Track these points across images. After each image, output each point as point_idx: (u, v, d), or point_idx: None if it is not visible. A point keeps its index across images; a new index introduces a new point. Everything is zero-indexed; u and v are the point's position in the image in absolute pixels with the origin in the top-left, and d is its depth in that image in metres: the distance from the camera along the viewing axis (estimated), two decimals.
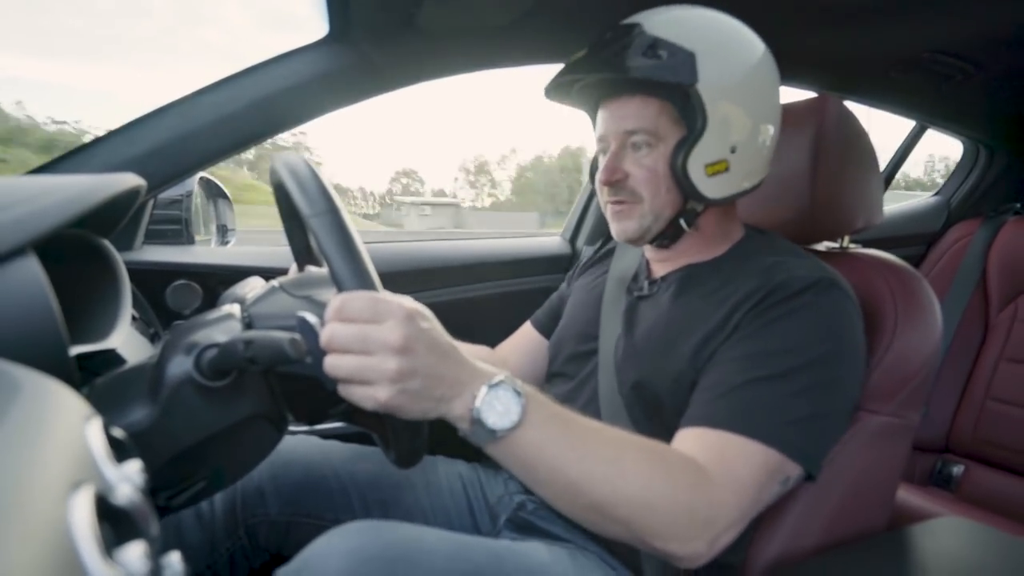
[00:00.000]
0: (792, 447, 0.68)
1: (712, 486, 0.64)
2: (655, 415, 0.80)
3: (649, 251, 0.93)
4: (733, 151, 0.79)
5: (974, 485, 1.56)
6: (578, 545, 0.81)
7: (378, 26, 1.00)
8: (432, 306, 0.61)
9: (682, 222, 0.84)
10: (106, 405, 0.52)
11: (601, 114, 0.86)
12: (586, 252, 1.59)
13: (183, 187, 1.16)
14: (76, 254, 0.68)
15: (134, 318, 0.86)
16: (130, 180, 0.70)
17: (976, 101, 1.60)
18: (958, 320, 1.69)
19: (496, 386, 0.58)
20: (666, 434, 0.72)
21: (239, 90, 1.02)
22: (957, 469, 1.60)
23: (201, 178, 1.22)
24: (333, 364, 0.53)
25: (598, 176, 0.85)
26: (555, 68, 0.87)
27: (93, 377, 0.59)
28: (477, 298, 1.46)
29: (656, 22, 0.79)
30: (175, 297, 1.12)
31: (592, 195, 1.62)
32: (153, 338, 0.91)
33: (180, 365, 0.56)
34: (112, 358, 0.64)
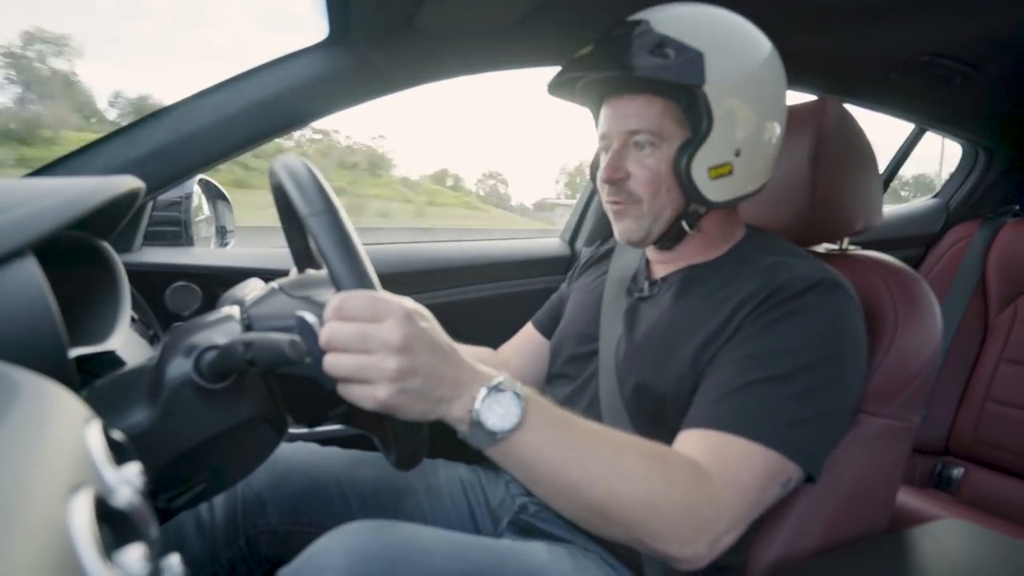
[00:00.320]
0: (793, 449, 0.68)
1: (713, 488, 0.64)
2: (656, 417, 0.80)
3: (650, 252, 0.93)
4: (738, 154, 0.79)
5: (974, 487, 1.56)
6: (579, 546, 0.81)
7: (378, 28, 1.00)
8: (431, 307, 0.61)
9: (684, 224, 0.84)
10: (105, 407, 0.52)
11: (604, 112, 0.85)
12: (585, 253, 1.58)
13: (182, 189, 1.16)
14: (75, 256, 0.68)
15: (133, 320, 0.86)
16: (129, 182, 0.69)
17: (975, 103, 1.60)
18: (958, 322, 1.69)
19: (496, 388, 0.58)
20: (667, 436, 0.72)
21: (239, 92, 1.02)
22: (957, 471, 1.60)
23: (200, 180, 1.22)
24: (332, 363, 0.53)
25: (599, 175, 0.84)
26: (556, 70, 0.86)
27: (92, 379, 0.59)
28: (476, 299, 1.45)
29: (663, 19, 0.78)
30: (174, 299, 1.12)
31: (592, 196, 1.61)
32: (152, 340, 0.91)
33: (180, 367, 0.56)
34: (111, 360, 0.64)
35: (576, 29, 1.08)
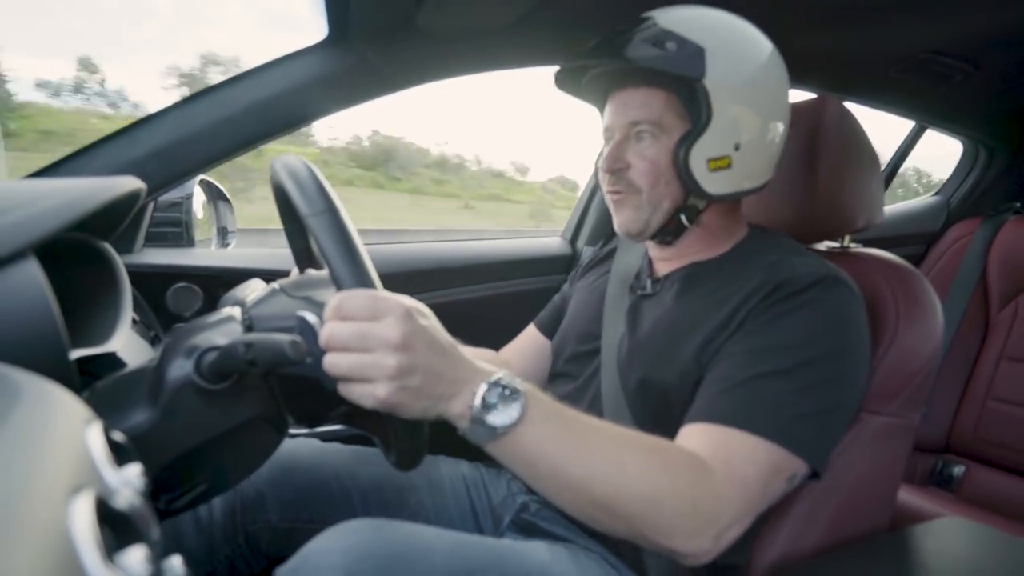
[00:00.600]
0: (796, 443, 0.68)
1: (716, 482, 0.64)
2: (659, 413, 0.80)
3: (652, 249, 0.93)
4: (737, 148, 0.79)
5: (975, 485, 1.56)
6: (581, 545, 0.81)
7: (378, 28, 1.01)
8: (432, 307, 0.61)
9: (683, 217, 0.84)
10: (106, 408, 0.52)
11: (608, 106, 0.86)
12: (586, 252, 1.59)
13: (183, 189, 1.16)
14: (76, 257, 0.68)
15: (134, 321, 0.86)
16: (130, 183, 0.70)
17: (975, 101, 1.60)
18: (958, 319, 1.69)
19: (496, 384, 0.58)
20: (670, 433, 0.72)
21: (239, 93, 1.03)
22: (958, 469, 1.60)
23: (201, 180, 1.22)
24: (332, 362, 0.53)
25: (600, 163, 0.85)
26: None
27: (93, 380, 0.59)
28: (477, 299, 1.45)
29: (669, 17, 0.79)
30: (175, 300, 1.12)
31: (592, 195, 1.61)
32: (153, 341, 0.91)
33: (180, 368, 0.56)
34: (112, 361, 0.64)
35: (575, 29, 1.08)
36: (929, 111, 1.74)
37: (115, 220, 0.72)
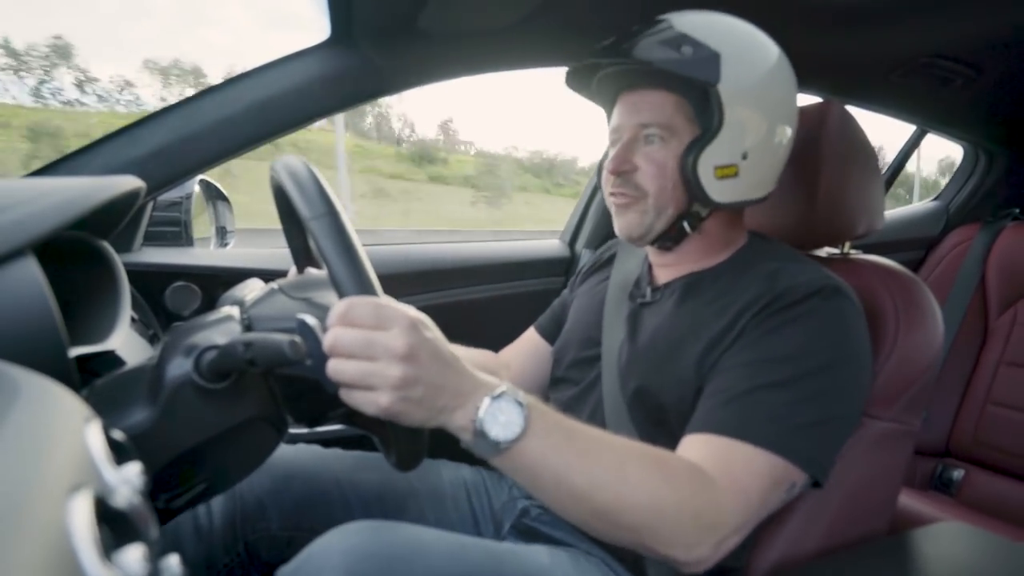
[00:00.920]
0: (797, 454, 0.68)
1: (717, 492, 0.64)
2: (659, 421, 0.80)
3: (653, 255, 0.93)
4: (744, 157, 0.79)
5: (974, 489, 1.56)
6: (582, 550, 0.81)
7: (380, 28, 1.01)
8: (430, 309, 0.61)
9: (685, 224, 0.84)
10: (105, 407, 0.52)
11: (618, 107, 0.86)
12: (585, 255, 1.59)
13: (183, 189, 1.16)
14: (75, 256, 0.68)
15: (133, 320, 0.86)
16: (129, 182, 0.70)
17: (976, 105, 1.60)
18: (958, 324, 1.69)
19: (499, 398, 0.58)
20: (670, 440, 0.72)
21: (240, 92, 1.02)
22: (957, 473, 1.60)
23: (201, 180, 1.22)
24: (336, 368, 0.53)
25: (606, 164, 0.85)
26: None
27: (92, 379, 0.59)
28: (475, 301, 1.45)
29: (684, 21, 0.79)
30: (174, 299, 1.12)
31: (592, 196, 1.61)
32: (152, 340, 0.91)
33: (180, 367, 0.56)
34: (111, 360, 0.64)
35: (577, 30, 1.08)
36: (930, 115, 1.75)
37: (114, 219, 0.72)
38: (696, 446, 0.69)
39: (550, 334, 1.07)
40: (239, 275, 1.08)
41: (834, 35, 1.18)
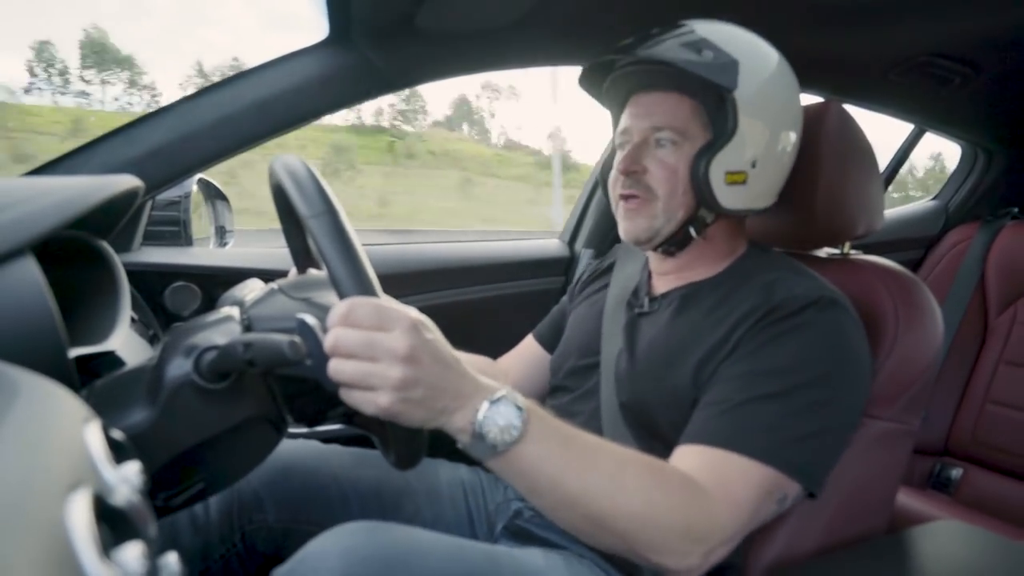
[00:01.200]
0: (791, 466, 0.68)
1: (709, 503, 0.65)
2: (655, 430, 0.80)
3: (654, 263, 0.93)
4: (754, 165, 0.80)
5: (973, 488, 1.56)
6: (574, 552, 0.81)
7: (378, 28, 1.01)
8: (429, 309, 0.61)
9: (691, 229, 0.84)
10: (105, 407, 0.52)
11: (629, 108, 0.86)
12: (584, 255, 1.59)
13: (181, 188, 1.16)
14: (74, 256, 0.68)
15: (133, 320, 0.86)
16: (128, 181, 0.70)
17: (975, 104, 1.60)
18: (957, 324, 1.69)
19: (498, 401, 0.58)
20: (665, 450, 0.72)
21: (239, 91, 1.02)
22: (956, 472, 1.60)
23: (199, 179, 1.22)
24: (337, 368, 0.54)
25: (616, 164, 0.85)
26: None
27: (92, 379, 0.59)
28: (475, 300, 1.45)
29: (704, 27, 0.80)
30: (174, 299, 1.12)
31: (591, 196, 1.61)
32: (152, 340, 0.91)
33: (179, 367, 0.56)
34: (111, 360, 0.64)
35: (574, 30, 1.08)
36: (928, 114, 1.74)
37: (113, 218, 0.72)
38: (690, 456, 0.70)
39: (549, 343, 1.07)
40: (239, 275, 1.08)
41: (832, 34, 1.18)
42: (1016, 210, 1.82)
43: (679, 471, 0.67)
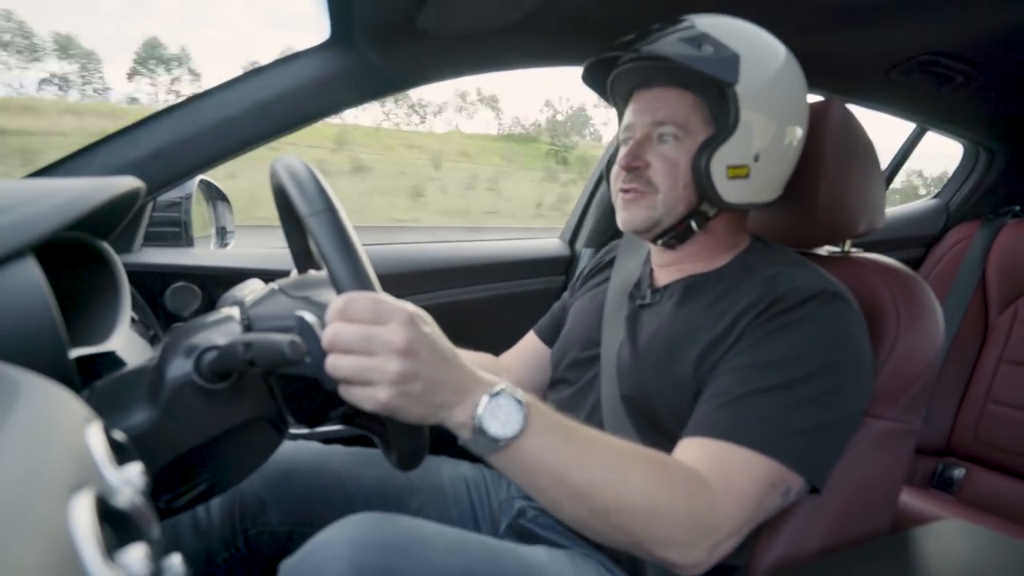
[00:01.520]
0: (794, 458, 0.68)
1: (713, 496, 0.64)
2: (656, 422, 0.80)
3: (655, 255, 0.93)
4: (756, 159, 0.80)
5: (975, 488, 1.56)
6: (579, 552, 0.81)
7: (379, 29, 1.00)
8: (430, 308, 0.61)
9: (692, 223, 0.84)
10: (106, 408, 0.52)
11: (632, 104, 0.86)
12: (585, 254, 1.59)
13: (182, 189, 1.16)
14: (75, 257, 0.68)
15: (133, 320, 0.85)
16: (129, 183, 0.70)
17: (976, 103, 1.60)
18: (958, 322, 1.69)
19: (498, 395, 0.58)
20: (668, 442, 0.72)
21: (239, 93, 1.02)
22: (958, 472, 1.60)
23: (201, 180, 1.22)
24: (335, 364, 0.53)
25: (618, 160, 0.85)
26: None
27: (93, 380, 0.59)
28: (475, 300, 1.45)
29: (705, 21, 0.80)
30: (174, 299, 1.12)
31: (592, 195, 1.61)
32: (152, 340, 0.91)
33: (180, 367, 0.56)
34: (112, 361, 0.64)
35: (575, 29, 1.08)
36: (930, 113, 1.74)
37: (114, 220, 0.72)
38: (692, 449, 0.69)
39: (549, 338, 1.07)
40: (239, 275, 1.08)
41: (833, 33, 1.18)
42: (1017, 209, 1.82)
43: (682, 464, 0.67)
